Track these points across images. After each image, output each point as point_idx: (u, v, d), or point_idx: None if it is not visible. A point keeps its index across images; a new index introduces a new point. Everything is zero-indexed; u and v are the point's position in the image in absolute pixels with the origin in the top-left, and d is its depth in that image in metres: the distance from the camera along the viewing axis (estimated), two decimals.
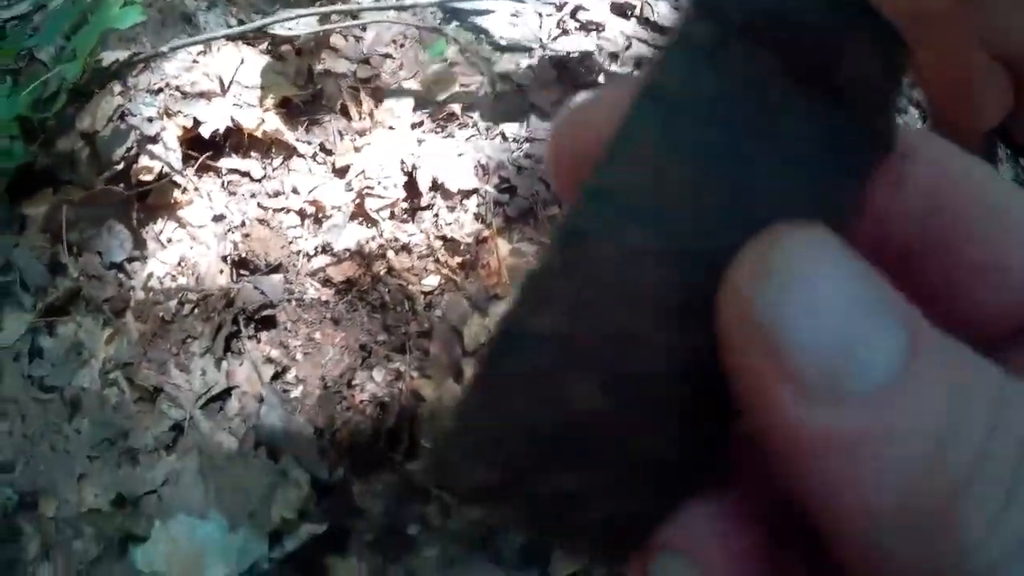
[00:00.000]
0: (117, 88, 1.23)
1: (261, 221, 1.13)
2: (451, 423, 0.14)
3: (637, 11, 1.37)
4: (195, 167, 1.17)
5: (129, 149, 1.19)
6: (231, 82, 1.18)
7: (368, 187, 1.13)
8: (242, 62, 1.21)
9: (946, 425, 0.12)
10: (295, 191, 1.15)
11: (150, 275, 1.14)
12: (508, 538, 1.05)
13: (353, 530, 1.06)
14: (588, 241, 0.13)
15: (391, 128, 1.16)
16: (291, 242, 1.12)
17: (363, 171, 1.13)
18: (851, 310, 0.13)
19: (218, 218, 1.14)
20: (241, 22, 1.30)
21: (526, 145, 1.17)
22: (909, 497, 0.12)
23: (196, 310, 1.12)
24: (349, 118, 1.17)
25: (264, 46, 1.25)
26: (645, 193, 0.13)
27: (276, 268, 1.10)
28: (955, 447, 0.12)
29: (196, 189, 1.16)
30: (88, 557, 1.14)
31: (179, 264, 1.14)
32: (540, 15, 1.33)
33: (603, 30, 1.33)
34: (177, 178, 1.16)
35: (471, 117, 1.18)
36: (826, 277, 0.13)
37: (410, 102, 1.17)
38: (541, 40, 1.28)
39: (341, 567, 1.05)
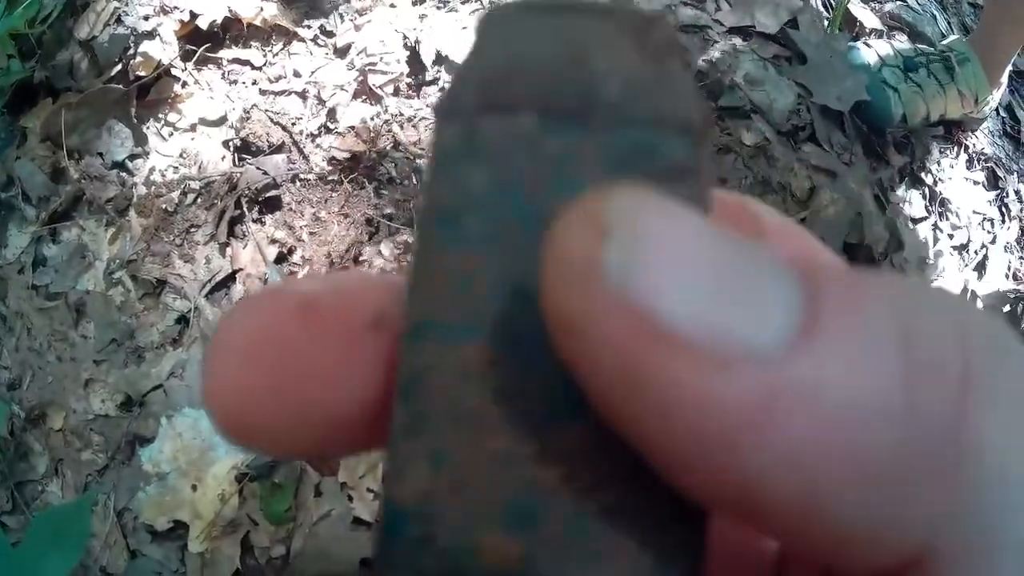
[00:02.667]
0: None
1: (262, 106, 1.10)
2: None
3: None
4: (194, 60, 1.14)
5: (126, 49, 1.16)
6: None
7: (370, 64, 1.09)
8: None
9: (866, 375, 0.10)
10: (296, 74, 1.11)
11: (152, 169, 1.11)
12: None
13: None
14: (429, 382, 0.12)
15: (392, 6, 1.12)
16: (294, 123, 1.08)
17: (364, 49, 1.10)
18: (724, 264, 0.11)
19: (219, 107, 1.11)
20: None
21: None
22: (859, 462, 0.10)
23: (199, 198, 1.08)
24: None
25: None
26: (459, 311, 0.12)
27: (279, 148, 1.06)
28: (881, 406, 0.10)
29: (196, 82, 1.13)
30: (96, 466, 1.09)
31: (181, 155, 1.11)
32: None
33: None
34: (176, 72, 1.13)
35: None
36: (683, 231, 0.11)
37: None
38: None
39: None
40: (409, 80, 1.09)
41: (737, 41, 1.20)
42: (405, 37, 1.10)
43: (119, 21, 1.19)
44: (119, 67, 1.16)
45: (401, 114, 1.07)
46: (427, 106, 1.08)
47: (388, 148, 1.05)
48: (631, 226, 0.10)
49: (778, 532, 0.12)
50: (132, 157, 1.13)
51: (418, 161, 1.05)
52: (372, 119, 1.07)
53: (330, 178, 1.05)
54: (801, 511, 0.11)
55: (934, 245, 1.26)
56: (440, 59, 1.09)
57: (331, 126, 1.08)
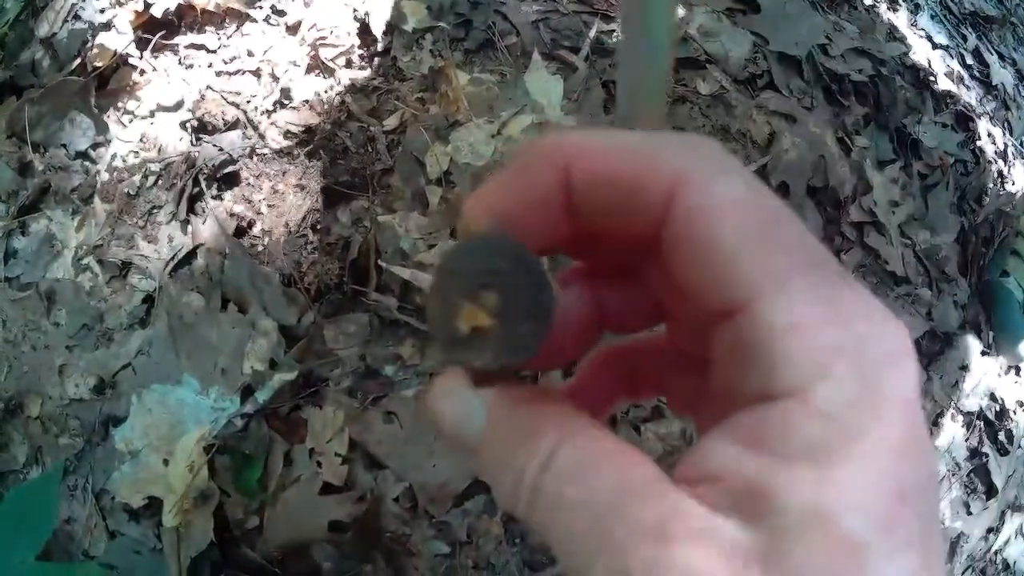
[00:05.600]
0: None
1: (217, 86, 1.11)
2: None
3: None
4: (150, 48, 1.15)
5: (85, 43, 1.18)
6: None
7: (321, 38, 1.10)
8: None
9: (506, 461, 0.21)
10: (250, 54, 1.12)
11: (114, 156, 1.13)
12: None
13: (328, 377, 1.00)
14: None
15: None
16: (248, 101, 1.09)
17: (315, 24, 1.11)
18: (455, 406, 0.23)
19: (176, 92, 1.12)
20: None
21: None
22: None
23: (159, 180, 1.09)
24: None
25: None
26: None
27: (234, 125, 1.08)
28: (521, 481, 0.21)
29: (154, 68, 1.15)
30: (74, 450, 1.10)
31: (141, 140, 1.12)
32: None
33: None
34: (133, 60, 1.15)
35: None
36: (445, 397, 0.23)
37: None
38: None
39: (317, 417, 0.99)
40: (360, 52, 1.10)
41: None
42: (355, 10, 1.10)
43: (77, 16, 1.21)
44: (78, 60, 1.18)
45: (354, 85, 1.08)
46: (379, 76, 1.09)
47: (343, 119, 1.06)
48: (434, 400, 0.24)
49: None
50: (94, 146, 1.15)
51: (371, 130, 1.05)
52: (325, 92, 1.08)
53: (286, 151, 1.06)
54: None
55: (903, 188, 1.24)
56: (390, 29, 1.10)
57: (285, 101, 1.08)
